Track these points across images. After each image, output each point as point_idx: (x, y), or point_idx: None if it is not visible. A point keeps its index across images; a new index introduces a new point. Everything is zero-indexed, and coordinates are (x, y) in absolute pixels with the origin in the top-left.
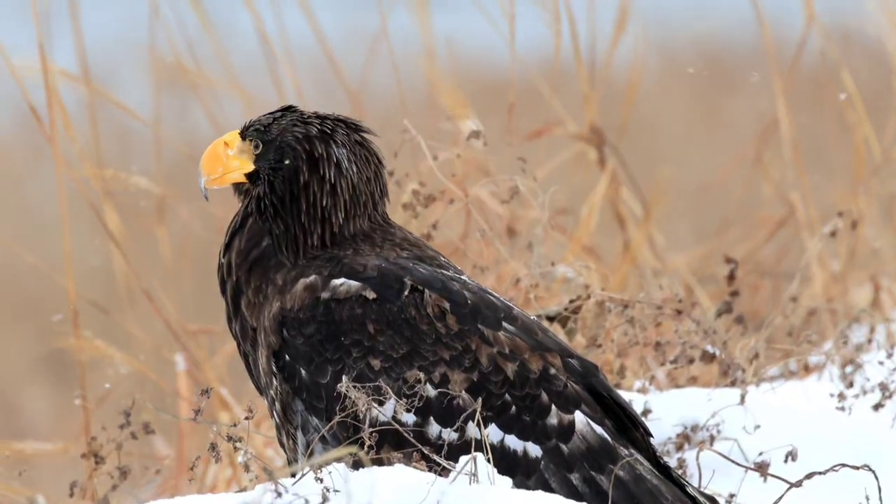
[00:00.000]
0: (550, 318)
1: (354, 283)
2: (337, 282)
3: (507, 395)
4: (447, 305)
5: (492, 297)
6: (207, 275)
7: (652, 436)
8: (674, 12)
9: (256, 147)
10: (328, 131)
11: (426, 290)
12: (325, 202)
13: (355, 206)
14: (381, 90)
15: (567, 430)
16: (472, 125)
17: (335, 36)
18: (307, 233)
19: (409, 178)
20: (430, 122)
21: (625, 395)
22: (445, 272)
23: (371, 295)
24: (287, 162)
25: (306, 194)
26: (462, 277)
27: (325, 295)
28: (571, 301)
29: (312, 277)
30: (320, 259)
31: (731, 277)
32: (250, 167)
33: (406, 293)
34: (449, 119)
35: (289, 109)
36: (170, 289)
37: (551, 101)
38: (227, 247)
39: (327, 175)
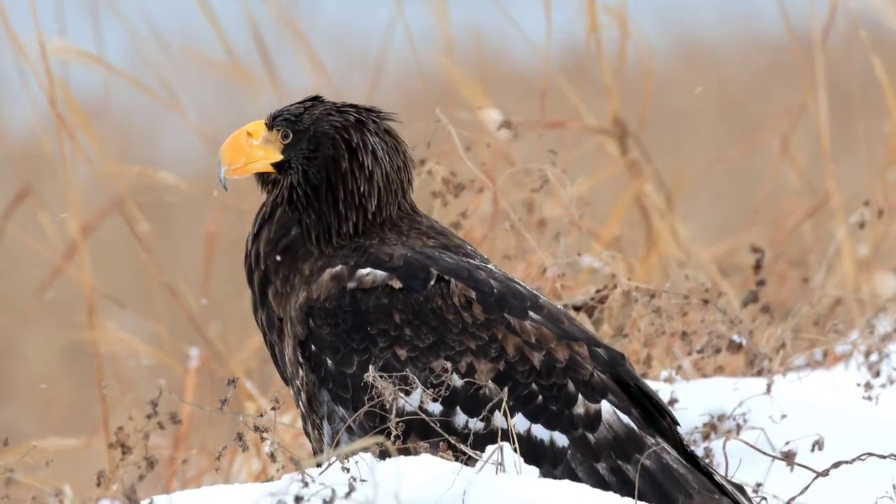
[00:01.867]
0: (577, 308)
1: (380, 273)
2: (363, 271)
3: (533, 385)
4: (473, 295)
5: (518, 286)
6: (233, 268)
7: (679, 424)
8: (699, 1)
9: (285, 136)
10: (362, 120)
11: (452, 280)
12: (362, 189)
13: (388, 194)
14: (400, 80)
15: (594, 419)
16: (495, 115)
17: (353, 26)
18: (342, 219)
19: (440, 167)
20: (449, 112)
21: (651, 384)
22: (472, 261)
23: (397, 284)
24: (324, 150)
25: (344, 182)
26: (488, 266)
27: (351, 285)
28: (598, 291)
29: (339, 267)
30: (346, 248)
31: (758, 267)
32: (278, 157)
33: (432, 283)
34: (471, 110)
35: (316, 99)
36: (194, 282)
37: (573, 92)
38: (256, 237)
39: (365, 162)
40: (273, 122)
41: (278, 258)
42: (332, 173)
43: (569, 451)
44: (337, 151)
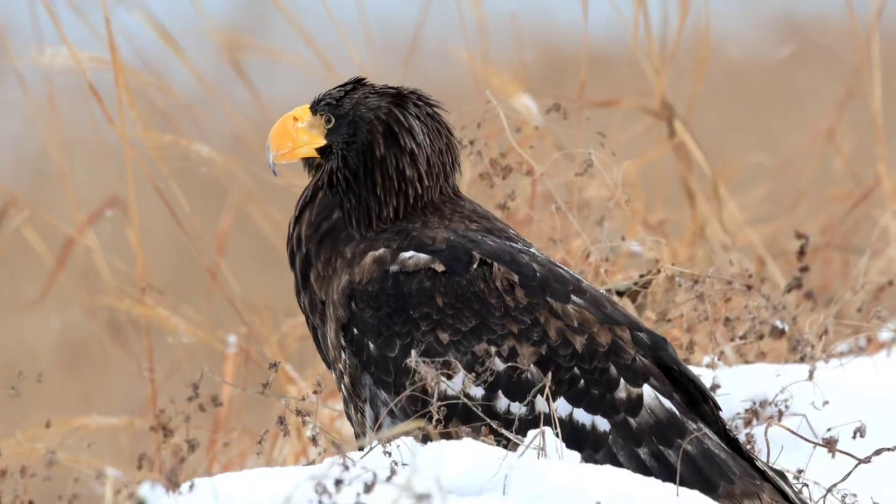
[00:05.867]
0: (620, 293)
1: (423, 256)
2: (406, 255)
3: (575, 369)
4: (516, 278)
5: (561, 270)
6: (271, 250)
7: (721, 409)
8: None
9: (328, 121)
10: (402, 103)
11: (495, 263)
12: (401, 173)
13: (429, 178)
14: (434, 66)
15: (636, 403)
16: (528, 102)
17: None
18: (382, 204)
19: (488, 148)
20: (481, 98)
21: (693, 370)
22: (514, 245)
23: (440, 268)
24: (361, 135)
25: (382, 167)
26: (531, 250)
27: (393, 268)
28: (641, 276)
29: (381, 250)
30: (389, 232)
31: (802, 253)
32: (321, 142)
33: (475, 266)
34: (505, 98)
35: (359, 82)
36: (233, 264)
37: (620, 74)
38: (297, 219)
39: (406, 146)
40: (316, 107)
41: (319, 241)
42: (370, 158)
43: (610, 436)
44: (374, 136)
